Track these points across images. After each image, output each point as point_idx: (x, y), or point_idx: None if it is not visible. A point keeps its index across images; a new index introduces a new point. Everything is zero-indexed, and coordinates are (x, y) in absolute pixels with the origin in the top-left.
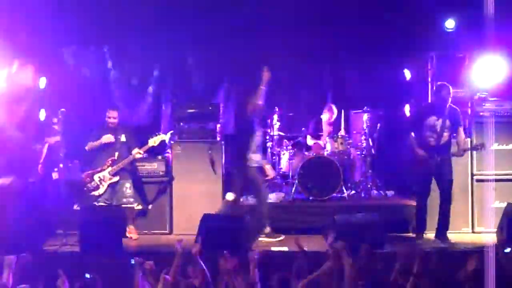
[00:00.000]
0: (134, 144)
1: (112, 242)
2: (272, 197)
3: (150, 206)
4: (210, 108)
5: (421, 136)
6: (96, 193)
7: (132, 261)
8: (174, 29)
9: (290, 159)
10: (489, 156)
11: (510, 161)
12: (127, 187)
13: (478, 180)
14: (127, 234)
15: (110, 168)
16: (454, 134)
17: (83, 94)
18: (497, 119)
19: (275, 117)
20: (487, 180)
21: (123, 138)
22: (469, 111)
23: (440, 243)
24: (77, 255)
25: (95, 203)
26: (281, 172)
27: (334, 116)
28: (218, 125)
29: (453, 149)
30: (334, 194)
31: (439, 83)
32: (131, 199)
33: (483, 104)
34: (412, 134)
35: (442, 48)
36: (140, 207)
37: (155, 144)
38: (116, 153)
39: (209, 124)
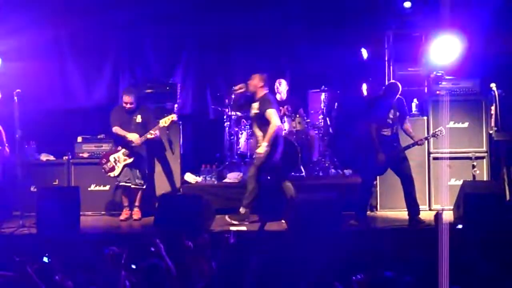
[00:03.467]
0: (151, 125)
1: (69, 224)
2: (230, 177)
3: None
4: (167, 88)
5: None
6: (111, 174)
7: (45, 259)
8: (130, 8)
9: (248, 138)
10: (445, 134)
11: (465, 139)
12: (140, 169)
13: (434, 158)
14: (133, 216)
15: (124, 149)
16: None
17: (39, 74)
18: (453, 97)
19: (233, 96)
20: (443, 158)
21: (138, 119)
22: (426, 89)
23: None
24: (35, 237)
25: (116, 183)
26: (239, 152)
27: (283, 90)
28: (176, 105)
29: (409, 139)
30: (292, 174)
31: (392, 81)
32: (142, 181)
33: (439, 82)
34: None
35: (399, 27)
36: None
37: (166, 125)
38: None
39: (167, 104)
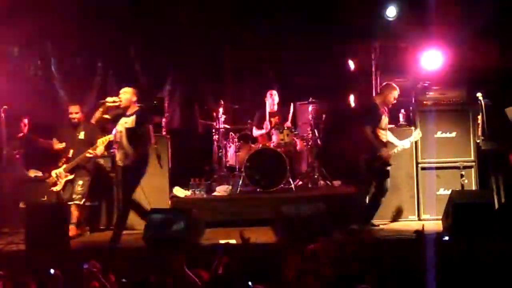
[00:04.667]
0: (94, 143)
1: (58, 240)
2: (219, 190)
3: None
4: (155, 102)
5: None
6: (54, 188)
7: (52, 271)
8: (116, 23)
9: (236, 151)
10: (433, 144)
11: (453, 148)
12: (79, 185)
13: (423, 168)
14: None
15: (65, 166)
16: None
17: (27, 90)
18: (440, 107)
19: (221, 110)
20: (432, 168)
21: (81, 135)
22: (413, 100)
23: (385, 232)
24: (24, 253)
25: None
26: (227, 165)
27: (274, 102)
28: (164, 119)
29: None
30: (281, 186)
31: (391, 84)
32: (79, 196)
33: (426, 93)
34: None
35: (386, 38)
36: (88, 203)
37: (103, 145)
38: (71, 151)
39: (154, 118)
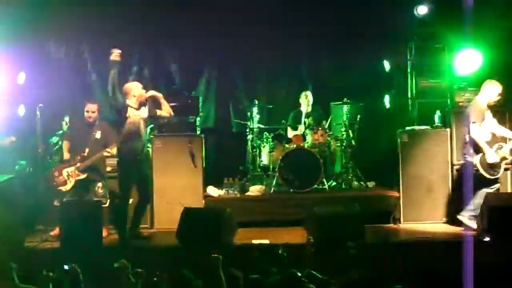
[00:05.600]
0: (110, 142)
1: (92, 238)
2: (253, 190)
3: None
4: (189, 101)
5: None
6: (63, 188)
7: (116, 264)
8: (154, 23)
9: (270, 151)
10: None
11: None
12: (99, 187)
13: (458, 170)
14: None
15: (78, 164)
16: None
17: (62, 89)
18: None
19: (255, 109)
20: None
21: (97, 135)
22: (449, 101)
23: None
24: (58, 251)
25: (63, 199)
26: (261, 165)
27: (309, 103)
28: (198, 118)
29: None
30: (315, 186)
31: (492, 81)
32: (103, 199)
33: (462, 94)
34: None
35: (421, 38)
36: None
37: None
38: (87, 150)
39: (189, 117)
